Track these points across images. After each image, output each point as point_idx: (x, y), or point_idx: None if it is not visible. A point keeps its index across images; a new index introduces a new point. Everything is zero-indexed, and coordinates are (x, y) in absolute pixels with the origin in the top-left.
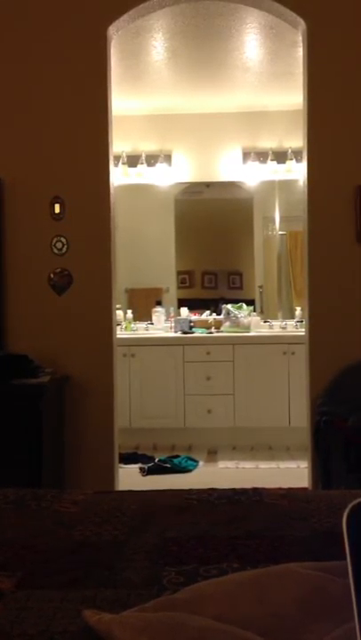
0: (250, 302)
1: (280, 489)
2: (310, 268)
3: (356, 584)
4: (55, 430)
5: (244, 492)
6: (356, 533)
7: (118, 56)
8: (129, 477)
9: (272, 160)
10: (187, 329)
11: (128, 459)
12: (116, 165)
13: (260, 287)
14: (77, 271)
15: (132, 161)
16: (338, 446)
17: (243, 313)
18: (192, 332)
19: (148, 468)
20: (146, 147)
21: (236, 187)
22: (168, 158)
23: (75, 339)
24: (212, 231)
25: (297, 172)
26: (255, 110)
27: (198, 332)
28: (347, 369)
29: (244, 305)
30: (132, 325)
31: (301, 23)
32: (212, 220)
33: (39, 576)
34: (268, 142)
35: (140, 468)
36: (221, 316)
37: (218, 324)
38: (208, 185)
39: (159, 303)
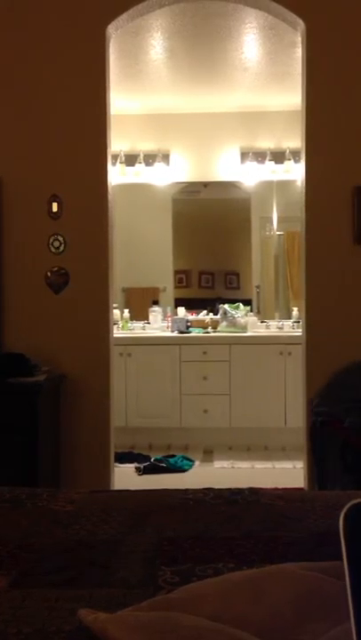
0: (247, 302)
1: (276, 489)
2: (307, 269)
3: (352, 585)
4: (51, 429)
5: (240, 492)
6: (353, 535)
7: (117, 55)
8: (125, 477)
9: (270, 160)
10: (183, 328)
11: (124, 458)
12: (113, 164)
13: (258, 287)
14: (74, 270)
15: (130, 160)
16: (334, 447)
17: (240, 313)
18: (189, 332)
19: (144, 467)
20: (144, 146)
21: (234, 187)
22: (166, 158)
23: (71, 337)
24: (210, 231)
25: (295, 172)
26: (254, 110)
27: (195, 332)
28: (343, 369)
29: (241, 305)
30: (129, 324)
31: (301, 24)
32: (209, 220)
33: (34, 575)
34: (267, 142)
35: (136, 468)
36: (218, 316)
37: (215, 324)
38: (206, 185)
39: (156, 302)
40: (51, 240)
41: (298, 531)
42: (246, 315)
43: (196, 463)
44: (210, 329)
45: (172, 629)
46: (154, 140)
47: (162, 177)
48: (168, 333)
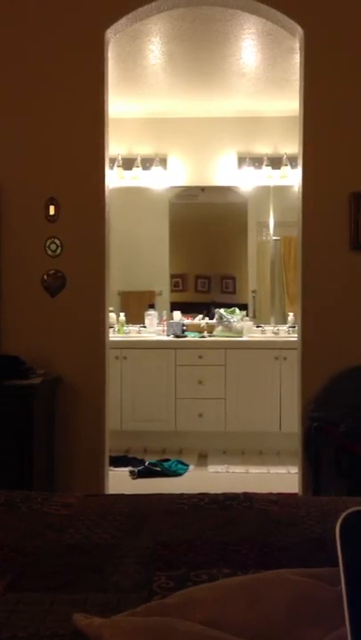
0: (242, 307)
1: (271, 494)
2: (303, 274)
3: (348, 592)
4: (46, 432)
5: (234, 497)
6: (350, 542)
7: (116, 59)
8: (119, 480)
9: (267, 165)
10: (179, 332)
11: (118, 461)
12: (111, 168)
13: (253, 292)
14: (71, 273)
15: (128, 164)
16: (328, 452)
17: (235, 317)
18: (184, 336)
19: (139, 471)
20: (141, 150)
21: (231, 191)
22: (163, 162)
23: (67, 340)
24: (206, 235)
25: (292, 177)
26: (251, 115)
27: (191, 336)
28: (338, 375)
29: (237, 309)
30: (125, 328)
31: (299, 30)
32: (206, 224)
33: (29, 579)
34: (264, 148)
35: (131, 472)
36: (214, 320)
37: (210, 328)
38: (203, 189)
39: (152, 306)
40: (47, 243)
41: (293, 536)
42: (242, 319)
43: (191, 467)
44: (205, 333)
45: (167, 635)
46: (151, 144)
47: (159, 181)
48: (164, 337)
